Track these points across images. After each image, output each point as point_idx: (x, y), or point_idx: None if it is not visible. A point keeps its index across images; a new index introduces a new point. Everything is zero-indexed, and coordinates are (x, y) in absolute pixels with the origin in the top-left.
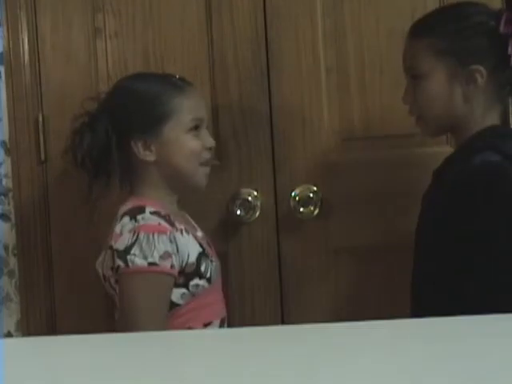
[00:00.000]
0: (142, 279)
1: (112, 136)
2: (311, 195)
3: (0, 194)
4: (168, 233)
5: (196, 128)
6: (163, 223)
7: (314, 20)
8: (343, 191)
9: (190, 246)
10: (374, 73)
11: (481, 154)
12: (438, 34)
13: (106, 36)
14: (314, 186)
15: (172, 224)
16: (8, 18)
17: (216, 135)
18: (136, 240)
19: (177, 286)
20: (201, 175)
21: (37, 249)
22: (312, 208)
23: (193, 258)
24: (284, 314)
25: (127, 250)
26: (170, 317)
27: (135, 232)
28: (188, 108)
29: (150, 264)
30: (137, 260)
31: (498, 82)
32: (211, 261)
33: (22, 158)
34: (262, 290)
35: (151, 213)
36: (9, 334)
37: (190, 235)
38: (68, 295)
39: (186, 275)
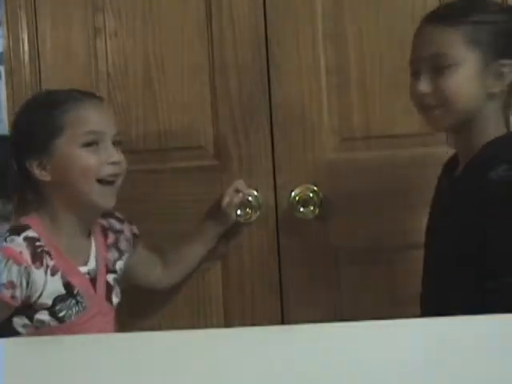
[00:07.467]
0: None
1: (11, 161)
2: (311, 195)
3: None
4: (22, 266)
5: (93, 143)
6: (26, 253)
7: (314, 20)
8: (343, 191)
9: (47, 285)
10: (374, 73)
11: (497, 168)
12: (472, 22)
13: (105, 36)
14: (314, 185)
15: (39, 258)
16: (8, 18)
17: (216, 135)
18: None
19: (19, 314)
20: (98, 193)
21: None
22: (312, 208)
23: (46, 298)
24: (284, 313)
25: None
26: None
27: None
28: (82, 121)
29: None
30: None
31: None
32: (77, 302)
33: None
34: (262, 289)
35: (25, 238)
36: None
37: (57, 275)
38: None
39: (32, 309)
